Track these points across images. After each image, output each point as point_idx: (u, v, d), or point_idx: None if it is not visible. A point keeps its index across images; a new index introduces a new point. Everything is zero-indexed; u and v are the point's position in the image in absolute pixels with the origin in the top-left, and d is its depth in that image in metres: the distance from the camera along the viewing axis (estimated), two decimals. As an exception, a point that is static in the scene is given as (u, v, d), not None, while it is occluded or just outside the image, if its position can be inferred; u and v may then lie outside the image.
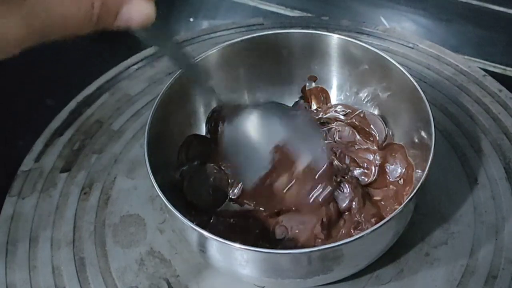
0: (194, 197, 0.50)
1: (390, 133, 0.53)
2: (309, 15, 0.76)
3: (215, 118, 0.55)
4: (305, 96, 0.58)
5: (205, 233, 0.41)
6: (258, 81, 0.56)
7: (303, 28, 0.70)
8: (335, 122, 0.55)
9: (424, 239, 0.50)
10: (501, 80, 0.62)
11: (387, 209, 0.49)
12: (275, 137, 0.48)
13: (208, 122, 0.55)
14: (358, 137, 0.54)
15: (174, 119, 0.51)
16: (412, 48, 0.67)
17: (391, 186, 0.51)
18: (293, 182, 0.48)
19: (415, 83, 0.48)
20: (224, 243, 0.41)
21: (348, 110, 0.55)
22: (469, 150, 0.56)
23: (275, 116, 0.49)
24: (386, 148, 0.53)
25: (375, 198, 0.50)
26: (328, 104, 0.57)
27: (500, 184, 0.53)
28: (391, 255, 0.48)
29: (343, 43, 0.53)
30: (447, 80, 0.63)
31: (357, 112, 0.54)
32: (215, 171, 0.51)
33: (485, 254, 0.49)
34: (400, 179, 0.51)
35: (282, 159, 0.48)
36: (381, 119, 0.54)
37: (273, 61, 0.55)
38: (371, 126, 0.53)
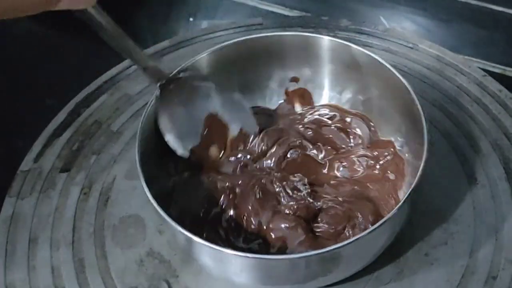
0: (185, 210, 0.49)
1: (378, 134, 0.54)
2: (309, 15, 0.76)
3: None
4: (288, 98, 0.58)
5: (197, 240, 0.40)
6: (250, 84, 0.57)
7: (303, 28, 0.70)
8: (322, 128, 0.55)
9: (423, 239, 0.50)
10: (501, 80, 0.62)
11: (383, 204, 0.49)
12: (208, 106, 0.52)
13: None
14: (346, 139, 0.54)
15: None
16: (412, 48, 0.67)
17: (384, 182, 0.51)
18: (224, 149, 0.53)
19: (405, 82, 0.48)
20: (217, 249, 0.40)
21: (333, 113, 0.56)
22: (469, 150, 0.56)
23: (209, 89, 0.52)
24: (374, 145, 0.53)
25: (369, 195, 0.50)
26: (313, 106, 0.57)
27: (500, 184, 0.53)
28: (390, 255, 0.48)
29: (333, 45, 0.53)
30: (447, 80, 0.63)
31: (340, 117, 0.55)
32: (206, 181, 0.50)
33: (485, 254, 0.48)
34: (391, 173, 0.51)
35: (215, 126, 0.53)
36: (366, 121, 0.54)
37: (265, 64, 0.56)
38: (357, 129, 0.54)
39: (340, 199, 0.49)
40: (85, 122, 0.61)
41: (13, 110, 0.65)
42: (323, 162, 0.53)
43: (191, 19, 0.80)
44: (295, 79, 0.57)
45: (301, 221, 0.47)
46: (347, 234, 0.47)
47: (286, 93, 0.58)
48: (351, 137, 0.54)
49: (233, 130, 0.53)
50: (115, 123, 0.61)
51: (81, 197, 0.55)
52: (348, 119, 0.55)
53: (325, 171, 0.53)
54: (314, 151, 0.54)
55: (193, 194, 0.50)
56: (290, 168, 0.53)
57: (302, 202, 0.49)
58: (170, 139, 0.50)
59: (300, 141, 0.54)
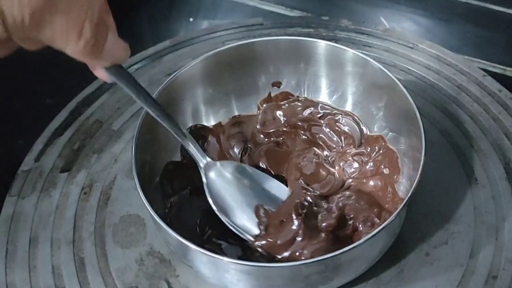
0: (179, 228, 0.47)
1: (368, 131, 0.54)
2: (309, 15, 0.77)
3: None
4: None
5: (193, 247, 0.40)
6: (245, 88, 0.57)
7: (303, 28, 0.70)
8: (313, 128, 0.56)
9: (424, 239, 0.50)
10: (501, 80, 0.62)
11: (382, 197, 0.50)
12: (256, 198, 0.50)
13: (182, 147, 0.54)
14: (336, 138, 0.54)
15: (158, 145, 0.52)
16: (412, 48, 0.67)
17: (379, 176, 0.51)
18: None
19: (399, 83, 0.48)
20: (213, 256, 0.40)
21: (324, 111, 0.56)
22: (469, 150, 0.56)
23: (257, 179, 0.51)
24: (365, 141, 0.53)
25: (367, 190, 0.51)
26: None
27: (500, 184, 0.53)
28: (391, 255, 0.48)
29: (327, 48, 0.53)
30: (447, 80, 0.63)
31: (332, 117, 0.55)
32: (206, 203, 0.49)
33: (485, 254, 0.49)
34: (385, 168, 0.51)
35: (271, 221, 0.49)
36: (357, 122, 0.54)
37: (259, 68, 0.56)
38: (348, 128, 0.54)
39: (347, 193, 0.50)
40: (86, 121, 0.61)
41: (13, 110, 0.65)
42: (329, 166, 0.54)
43: (191, 19, 0.80)
44: (277, 84, 0.57)
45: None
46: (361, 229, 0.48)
47: (269, 98, 0.57)
48: (342, 137, 0.55)
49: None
50: (116, 122, 0.61)
51: (82, 196, 0.55)
52: (338, 118, 0.55)
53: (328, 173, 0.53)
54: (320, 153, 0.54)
55: (190, 213, 0.50)
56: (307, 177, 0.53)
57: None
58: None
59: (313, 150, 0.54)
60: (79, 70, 0.69)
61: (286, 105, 0.57)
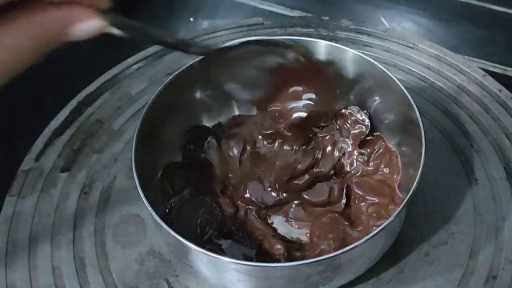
0: (180, 229, 0.48)
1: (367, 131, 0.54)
2: (309, 15, 0.77)
3: (189, 142, 0.55)
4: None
5: (193, 246, 0.40)
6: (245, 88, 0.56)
7: (303, 28, 0.70)
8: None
9: (424, 239, 0.50)
10: (501, 80, 0.62)
11: (381, 197, 0.50)
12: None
13: (182, 147, 0.55)
14: (336, 138, 0.54)
15: (159, 144, 0.51)
16: (412, 48, 0.67)
17: (379, 176, 0.51)
18: None
19: (399, 83, 0.48)
20: (213, 256, 0.40)
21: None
22: (469, 150, 0.56)
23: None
24: (365, 142, 0.53)
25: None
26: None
27: (500, 184, 0.53)
28: (391, 255, 0.48)
29: (327, 48, 0.52)
30: (447, 80, 0.63)
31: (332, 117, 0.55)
32: (207, 203, 0.51)
33: (485, 254, 0.49)
34: (385, 168, 0.51)
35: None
36: (357, 121, 0.54)
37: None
38: (347, 128, 0.54)
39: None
40: (86, 121, 0.61)
41: (13, 110, 0.65)
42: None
43: (191, 19, 0.80)
44: None
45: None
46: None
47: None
48: (342, 136, 0.54)
49: None
50: (116, 122, 0.61)
51: (82, 196, 0.55)
52: (338, 118, 0.55)
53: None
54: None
55: (191, 214, 0.50)
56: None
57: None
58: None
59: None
60: (79, 70, 0.70)
61: None
